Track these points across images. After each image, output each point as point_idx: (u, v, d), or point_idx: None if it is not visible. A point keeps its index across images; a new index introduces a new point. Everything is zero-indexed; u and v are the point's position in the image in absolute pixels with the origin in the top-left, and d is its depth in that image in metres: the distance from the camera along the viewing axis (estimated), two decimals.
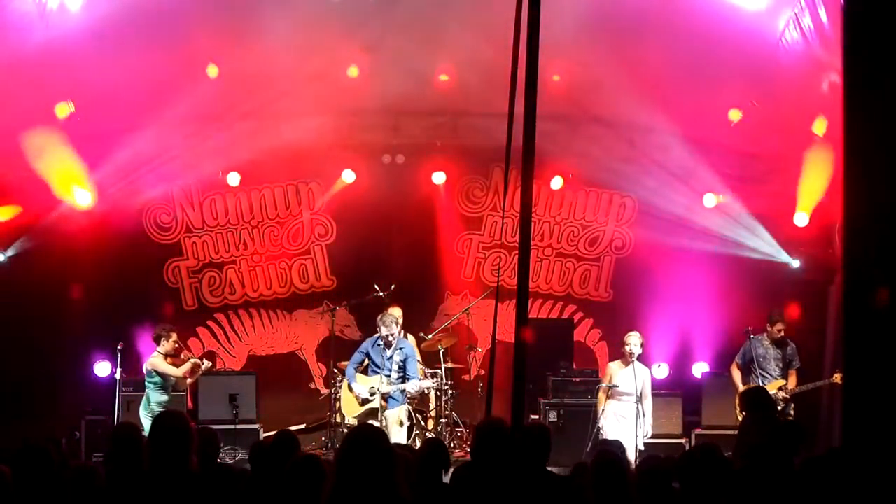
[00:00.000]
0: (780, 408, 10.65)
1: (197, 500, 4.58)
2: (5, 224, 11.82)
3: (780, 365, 10.92)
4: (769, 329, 11.02)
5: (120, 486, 4.96)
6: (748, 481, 4.95)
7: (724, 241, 12.41)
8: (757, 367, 10.95)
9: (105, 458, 6.20)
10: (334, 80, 11.15)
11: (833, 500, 4.48)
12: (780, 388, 10.77)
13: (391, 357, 10.53)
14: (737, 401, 10.53)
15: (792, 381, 10.89)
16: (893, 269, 2.84)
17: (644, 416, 10.25)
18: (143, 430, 9.49)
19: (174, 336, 10.43)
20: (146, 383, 10.26)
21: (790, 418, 10.58)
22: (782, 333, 10.99)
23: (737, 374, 11.11)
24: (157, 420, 4.78)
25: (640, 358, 10.42)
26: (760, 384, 10.74)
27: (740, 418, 9.73)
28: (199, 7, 9.92)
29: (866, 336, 2.87)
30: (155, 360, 10.27)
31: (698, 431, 11.54)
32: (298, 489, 4.51)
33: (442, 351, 11.73)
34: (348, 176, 12.59)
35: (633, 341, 10.37)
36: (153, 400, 10.19)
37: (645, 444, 10.17)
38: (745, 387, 10.62)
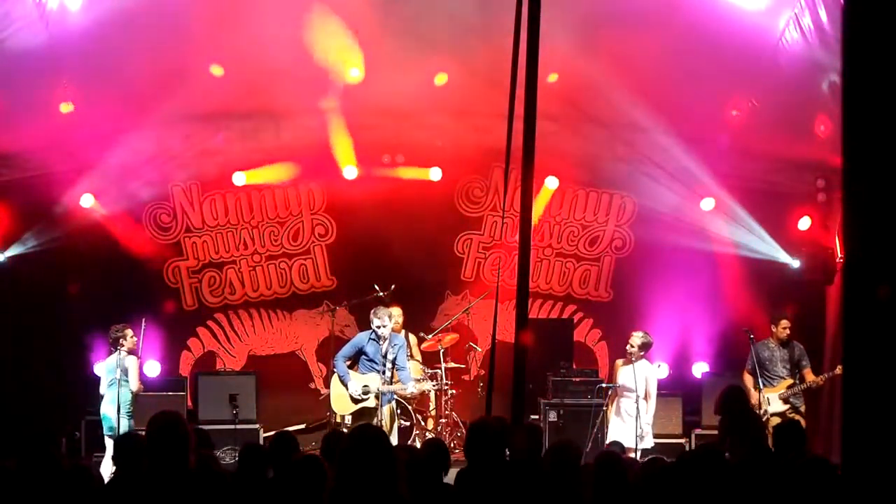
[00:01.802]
0: (787, 408, 10.64)
1: (196, 499, 4.58)
2: (5, 223, 11.82)
3: (788, 365, 10.89)
4: (774, 330, 10.97)
5: (121, 485, 4.96)
6: (745, 480, 4.95)
7: (723, 241, 12.41)
8: (763, 370, 10.89)
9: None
10: (334, 80, 11.14)
11: (832, 499, 4.48)
12: (788, 388, 10.76)
13: (385, 353, 10.54)
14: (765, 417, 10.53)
15: (810, 378, 10.85)
16: (893, 269, 2.84)
17: (644, 414, 10.25)
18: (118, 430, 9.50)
19: (130, 332, 10.37)
20: (120, 382, 10.17)
21: (799, 416, 10.58)
22: (788, 332, 10.95)
23: (748, 380, 10.93)
24: (154, 420, 4.77)
25: (645, 357, 10.44)
26: (768, 385, 10.74)
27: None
28: (199, 7, 9.91)
29: (866, 335, 2.88)
30: (133, 360, 10.23)
31: (698, 431, 11.53)
32: (299, 489, 4.51)
33: (442, 351, 11.73)
34: (350, 173, 12.54)
35: (632, 341, 10.45)
36: (128, 399, 10.15)
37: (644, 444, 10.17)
38: (763, 394, 10.64)
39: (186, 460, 4.63)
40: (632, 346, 10.41)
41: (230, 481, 5.31)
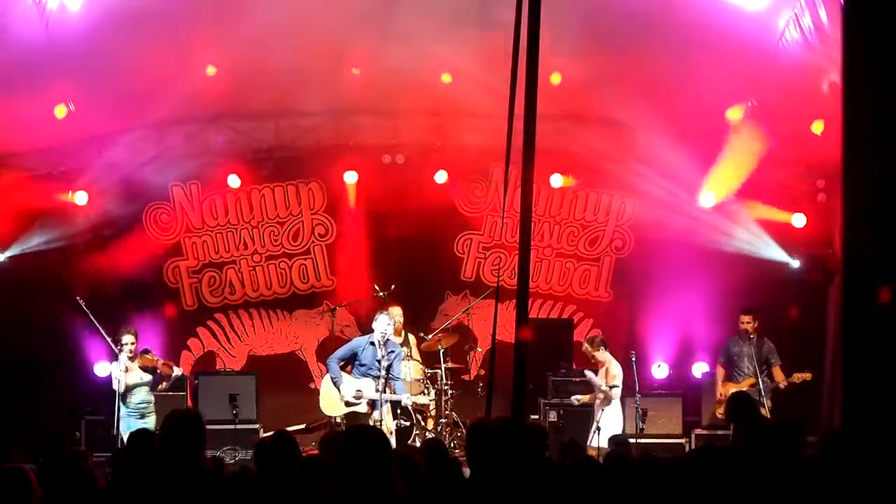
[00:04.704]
0: None
1: (209, 497, 4.58)
2: (6, 223, 11.82)
3: (755, 362, 10.96)
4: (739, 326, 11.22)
5: (132, 483, 4.95)
6: (749, 479, 4.93)
7: (723, 241, 12.40)
8: (732, 365, 11.24)
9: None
10: (334, 79, 11.15)
11: (834, 497, 4.48)
12: (750, 386, 10.86)
13: (381, 359, 10.53)
14: (722, 406, 10.71)
15: (779, 376, 10.97)
16: (893, 269, 2.85)
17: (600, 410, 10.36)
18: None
19: (126, 337, 10.37)
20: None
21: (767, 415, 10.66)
22: (747, 326, 11.12)
23: (719, 374, 11.41)
24: (169, 417, 4.78)
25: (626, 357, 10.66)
26: (733, 381, 11.09)
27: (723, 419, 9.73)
28: (199, 7, 9.92)
29: (866, 335, 2.88)
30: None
31: (698, 431, 11.55)
32: (306, 489, 4.51)
33: (442, 351, 11.72)
34: (350, 177, 12.59)
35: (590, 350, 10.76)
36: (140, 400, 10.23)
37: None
38: (729, 388, 10.90)
39: (200, 458, 4.65)
40: (592, 355, 10.64)
41: (244, 481, 5.31)
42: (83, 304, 10.35)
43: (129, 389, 10.13)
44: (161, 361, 10.23)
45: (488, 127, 11.48)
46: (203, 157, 12.48)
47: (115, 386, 10.15)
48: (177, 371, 10.33)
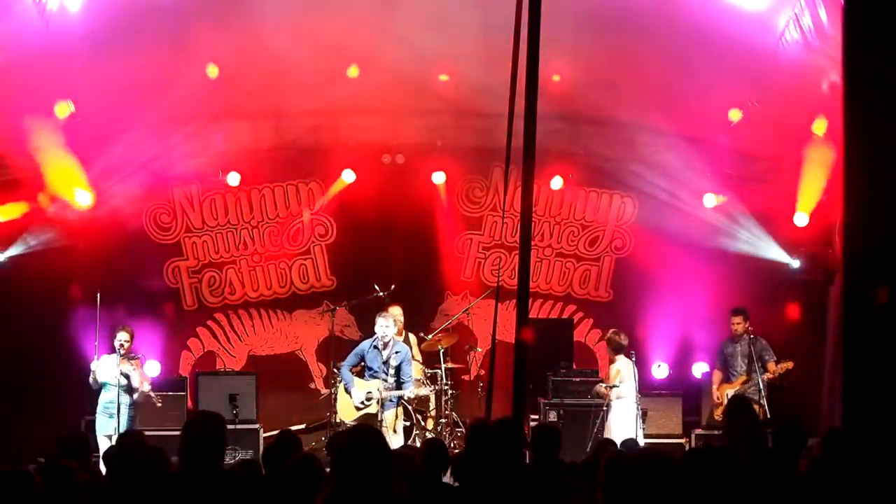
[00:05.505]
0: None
1: (229, 498, 4.59)
2: (6, 224, 11.81)
3: (747, 361, 11.04)
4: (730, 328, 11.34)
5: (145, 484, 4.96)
6: (751, 481, 4.93)
7: (723, 241, 12.40)
8: (727, 366, 11.34)
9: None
10: (334, 79, 11.16)
11: (834, 496, 4.48)
12: (743, 384, 11.03)
13: (387, 361, 10.57)
14: (719, 409, 10.91)
15: (772, 369, 11.05)
16: (893, 269, 2.85)
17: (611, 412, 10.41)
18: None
19: (121, 334, 10.38)
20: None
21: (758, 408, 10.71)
22: (738, 328, 11.22)
23: (715, 377, 11.51)
24: (196, 420, 4.80)
25: (627, 355, 10.69)
26: (728, 381, 11.23)
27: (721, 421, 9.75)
28: (198, 7, 9.93)
29: (866, 335, 2.88)
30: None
31: (698, 431, 11.56)
32: (296, 489, 4.51)
33: (442, 351, 11.73)
34: (348, 176, 12.60)
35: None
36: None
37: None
38: (724, 389, 11.10)
39: (221, 460, 4.66)
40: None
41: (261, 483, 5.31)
42: (98, 301, 10.37)
43: (102, 386, 10.19)
44: (132, 367, 10.26)
45: (488, 127, 11.49)
46: (203, 157, 12.48)
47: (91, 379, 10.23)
48: (135, 383, 10.31)
